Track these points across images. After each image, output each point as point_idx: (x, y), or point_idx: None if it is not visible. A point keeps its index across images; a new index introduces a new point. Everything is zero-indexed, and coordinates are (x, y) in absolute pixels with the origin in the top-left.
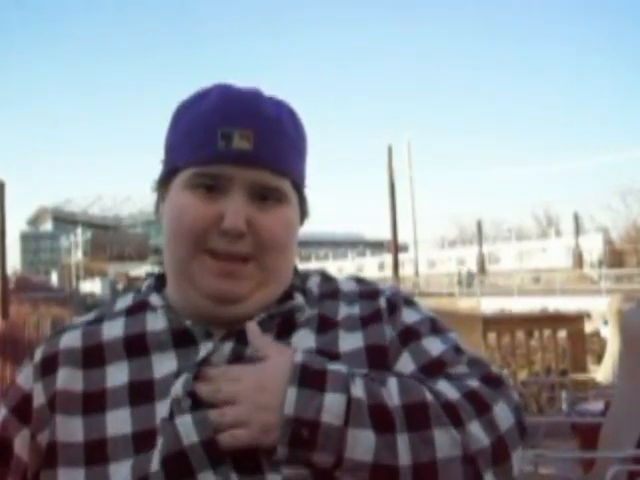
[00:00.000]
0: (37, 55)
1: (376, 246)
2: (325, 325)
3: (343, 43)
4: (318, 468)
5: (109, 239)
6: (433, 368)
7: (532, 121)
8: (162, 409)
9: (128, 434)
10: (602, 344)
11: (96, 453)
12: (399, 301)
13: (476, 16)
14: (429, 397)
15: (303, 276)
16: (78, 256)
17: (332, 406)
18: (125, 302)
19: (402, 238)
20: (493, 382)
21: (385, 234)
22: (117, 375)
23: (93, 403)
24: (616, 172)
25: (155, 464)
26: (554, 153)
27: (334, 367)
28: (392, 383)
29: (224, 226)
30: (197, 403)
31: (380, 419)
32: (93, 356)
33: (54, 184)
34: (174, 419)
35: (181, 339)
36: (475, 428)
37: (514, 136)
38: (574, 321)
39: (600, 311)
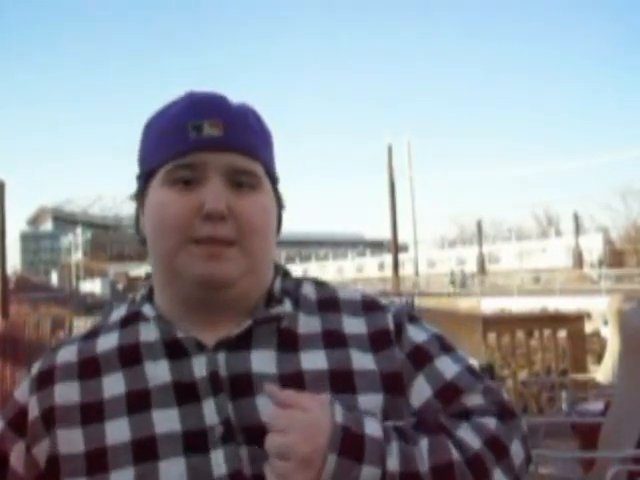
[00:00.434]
0: (37, 55)
1: (376, 246)
2: (332, 341)
3: (344, 43)
4: None
5: (109, 239)
6: (449, 394)
7: (532, 121)
8: (160, 418)
9: (127, 442)
10: (602, 344)
11: (97, 462)
12: (404, 319)
13: (476, 16)
14: (455, 455)
15: (296, 281)
16: (78, 256)
17: None
18: (119, 313)
19: (402, 238)
20: (507, 416)
21: (385, 234)
22: (113, 385)
23: (91, 414)
24: (616, 172)
25: None
26: (554, 153)
27: (371, 430)
28: (423, 443)
29: (206, 209)
30: (229, 430)
31: None
32: (89, 368)
33: (54, 184)
34: (209, 450)
35: (173, 350)
36: (497, 475)
37: (514, 136)
38: (574, 321)
39: (600, 311)
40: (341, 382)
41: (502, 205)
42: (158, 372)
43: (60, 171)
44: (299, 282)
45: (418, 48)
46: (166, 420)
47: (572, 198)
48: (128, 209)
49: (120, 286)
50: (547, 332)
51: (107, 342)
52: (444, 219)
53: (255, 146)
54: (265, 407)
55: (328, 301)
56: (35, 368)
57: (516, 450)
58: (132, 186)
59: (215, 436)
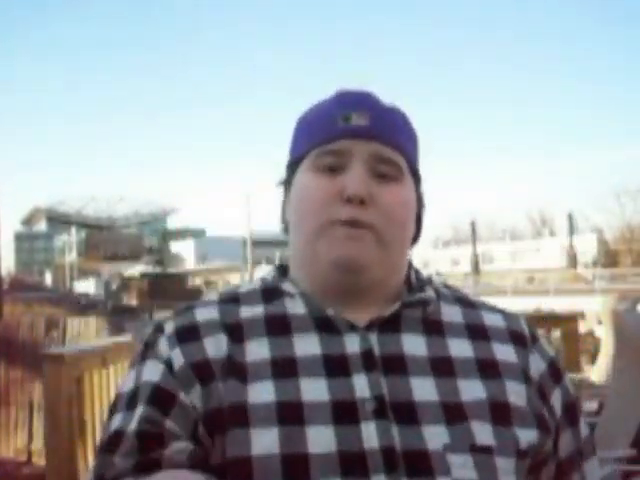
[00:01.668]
0: (31, 55)
1: None
2: (476, 331)
3: (340, 42)
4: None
5: (103, 239)
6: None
7: (527, 121)
8: (307, 386)
9: (272, 403)
10: (596, 344)
11: (239, 418)
12: (536, 331)
13: (473, 14)
14: None
15: (428, 277)
16: (72, 256)
17: None
18: (253, 286)
19: None
20: None
21: None
22: (258, 351)
23: (236, 372)
24: (610, 172)
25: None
26: (549, 153)
27: None
28: None
29: (347, 193)
30: (381, 406)
31: None
32: (234, 331)
33: (48, 185)
34: (359, 422)
35: (323, 326)
36: None
37: (508, 136)
38: (568, 321)
39: (594, 311)
40: (489, 369)
41: (496, 205)
42: (308, 344)
43: (54, 172)
44: (430, 279)
45: (416, 48)
46: (314, 389)
47: (566, 198)
48: (122, 209)
49: (114, 286)
50: (541, 332)
51: (251, 310)
52: (438, 219)
53: (399, 139)
54: (418, 388)
55: (464, 299)
56: (169, 326)
57: None
58: (126, 188)
59: (366, 410)
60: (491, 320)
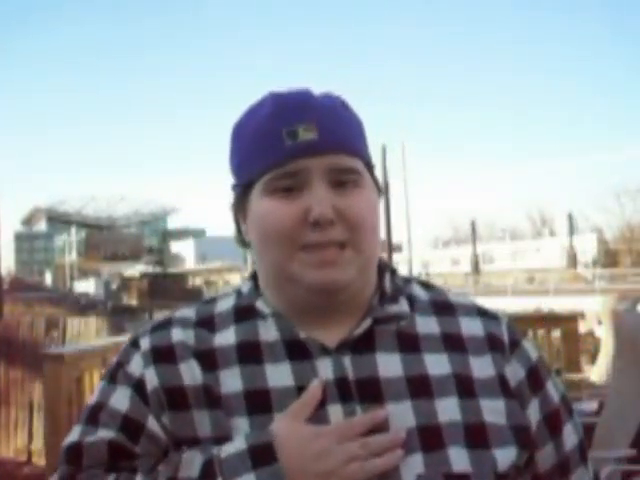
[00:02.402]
0: (30, 54)
1: None
2: (452, 344)
3: (338, 43)
4: None
5: (103, 239)
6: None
7: (526, 122)
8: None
9: (246, 448)
10: (596, 344)
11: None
12: (518, 333)
13: (472, 16)
14: None
15: (405, 280)
16: (72, 256)
17: None
18: (227, 304)
19: (396, 238)
20: None
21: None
22: (232, 382)
23: (213, 402)
24: (610, 172)
25: None
26: (548, 153)
27: None
28: None
29: (313, 217)
30: None
31: None
32: (207, 359)
33: (48, 184)
34: None
35: (295, 351)
36: None
37: (508, 136)
38: (568, 321)
39: (594, 311)
40: (465, 386)
41: (496, 205)
42: (280, 373)
43: (54, 171)
44: (408, 281)
45: (414, 48)
46: None
47: (566, 198)
48: (122, 209)
49: (114, 286)
50: (541, 332)
51: (224, 337)
52: (438, 219)
53: (351, 141)
54: (395, 415)
55: (442, 303)
56: (145, 342)
57: None
58: (126, 187)
59: None
60: (469, 328)
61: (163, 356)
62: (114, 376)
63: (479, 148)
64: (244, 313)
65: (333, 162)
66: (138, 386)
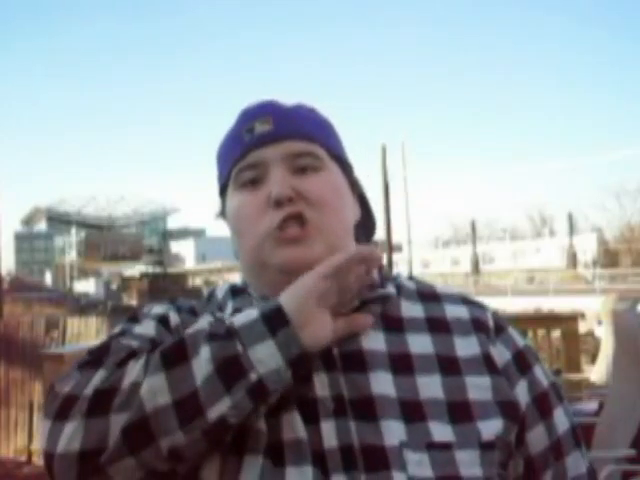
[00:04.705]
0: (31, 54)
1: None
2: (436, 326)
3: (336, 43)
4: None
5: (103, 239)
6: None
7: (526, 121)
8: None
9: None
10: (596, 344)
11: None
12: (504, 321)
13: (471, 15)
14: None
15: (392, 275)
16: (72, 256)
17: None
18: (223, 291)
19: (396, 238)
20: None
21: (379, 234)
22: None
23: None
24: (610, 172)
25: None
26: (548, 153)
27: None
28: None
29: (272, 196)
30: (340, 405)
31: None
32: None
33: (48, 184)
34: (319, 421)
35: None
36: None
37: (508, 136)
38: (568, 321)
39: (594, 311)
40: (448, 365)
41: (496, 205)
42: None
43: (54, 171)
44: (395, 276)
45: (414, 47)
46: None
47: (566, 198)
48: (122, 209)
49: (114, 286)
50: (541, 332)
51: (224, 311)
52: (438, 219)
53: (308, 130)
54: (377, 383)
55: (428, 292)
56: (157, 309)
57: None
58: (126, 186)
59: (327, 408)
60: (453, 312)
61: (169, 321)
62: (133, 318)
63: (479, 148)
64: (239, 292)
65: (288, 147)
66: (163, 319)
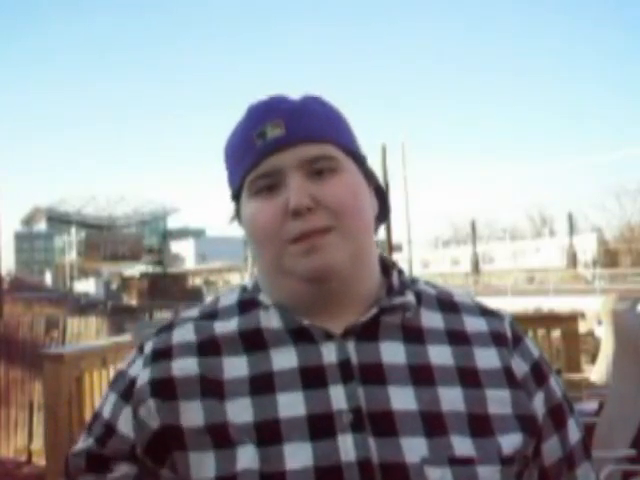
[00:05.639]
0: (31, 54)
1: None
2: (456, 338)
3: (338, 43)
4: None
5: (103, 239)
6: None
7: (526, 121)
8: (284, 401)
9: (250, 423)
10: (596, 344)
11: (218, 437)
12: (521, 331)
13: (472, 15)
14: None
15: (412, 278)
16: (72, 256)
17: None
18: (231, 299)
19: (396, 238)
20: None
21: (379, 234)
22: (235, 367)
23: (211, 389)
24: (610, 172)
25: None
26: (548, 153)
27: None
28: None
29: (290, 207)
30: (359, 418)
31: None
32: (209, 347)
33: (48, 184)
34: (336, 434)
35: (299, 337)
36: None
37: (508, 136)
38: (568, 321)
39: (594, 311)
40: (469, 378)
41: (496, 205)
42: (285, 356)
43: (54, 171)
44: (415, 279)
45: (414, 47)
46: (291, 403)
47: (566, 198)
48: (122, 209)
49: (114, 286)
50: (541, 332)
51: (226, 325)
52: (438, 219)
53: (321, 129)
54: (397, 397)
55: (447, 301)
56: (148, 347)
57: None
58: (126, 186)
59: (343, 422)
60: (473, 325)
61: (161, 355)
62: (113, 382)
63: (479, 148)
64: (247, 306)
65: (303, 153)
66: (128, 386)
